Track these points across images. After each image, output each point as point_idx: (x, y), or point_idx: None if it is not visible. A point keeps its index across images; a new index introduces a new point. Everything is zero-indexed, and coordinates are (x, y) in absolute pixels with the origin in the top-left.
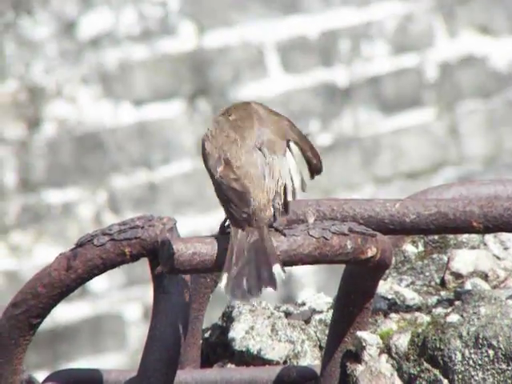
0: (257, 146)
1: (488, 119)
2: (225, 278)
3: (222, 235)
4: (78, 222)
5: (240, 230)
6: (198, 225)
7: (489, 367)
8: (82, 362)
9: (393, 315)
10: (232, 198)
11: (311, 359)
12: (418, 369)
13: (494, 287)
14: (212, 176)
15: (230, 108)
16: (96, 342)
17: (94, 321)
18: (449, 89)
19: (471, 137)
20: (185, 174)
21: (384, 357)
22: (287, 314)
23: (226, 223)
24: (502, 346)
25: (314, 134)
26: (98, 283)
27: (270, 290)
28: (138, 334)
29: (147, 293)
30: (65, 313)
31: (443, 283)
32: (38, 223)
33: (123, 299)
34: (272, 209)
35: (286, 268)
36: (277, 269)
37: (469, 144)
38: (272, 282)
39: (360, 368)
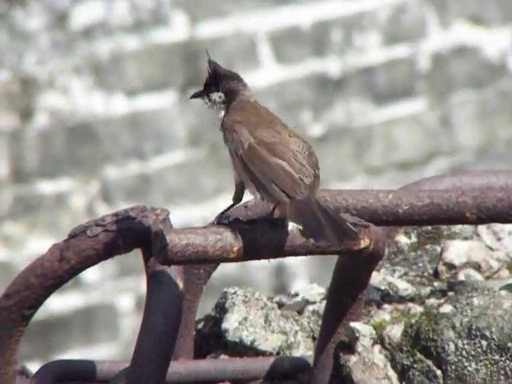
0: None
1: (480, 110)
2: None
3: (218, 226)
4: (71, 212)
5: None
6: (190, 215)
7: (482, 358)
8: (75, 353)
9: (386, 306)
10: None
11: (304, 350)
12: (411, 359)
13: (487, 278)
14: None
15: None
16: (89, 332)
17: (87, 311)
18: (441, 79)
19: (463, 127)
20: (177, 165)
21: (377, 347)
22: (280, 305)
23: (226, 214)
24: (494, 337)
25: (307, 125)
26: (90, 274)
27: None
28: (130, 324)
29: (140, 283)
30: (57, 303)
31: (436, 274)
32: (30, 214)
33: (116, 290)
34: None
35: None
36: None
37: (461, 134)
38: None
39: (353, 359)
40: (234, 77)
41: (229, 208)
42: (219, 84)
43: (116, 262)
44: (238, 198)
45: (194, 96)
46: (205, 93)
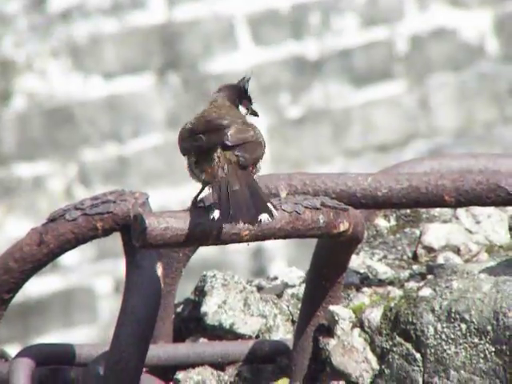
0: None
1: (459, 92)
2: (217, 212)
3: (195, 210)
4: (49, 195)
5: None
6: (168, 198)
7: (461, 341)
8: (54, 336)
9: (365, 289)
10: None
11: (284, 333)
12: (391, 343)
13: (467, 261)
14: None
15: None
16: (67, 315)
17: (65, 294)
18: (419, 61)
19: (442, 110)
20: (155, 147)
21: (356, 331)
22: (259, 289)
23: (199, 198)
24: (474, 320)
25: (285, 107)
26: (69, 257)
27: (265, 217)
28: (109, 307)
29: (118, 266)
30: (36, 286)
31: (415, 257)
32: (8, 197)
33: (94, 273)
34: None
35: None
36: (269, 205)
37: (439, 117)
38: (268, 211)
39: (332, 342)
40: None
41: (200, 191)
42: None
43: (94, 245)
44: (201, 180)
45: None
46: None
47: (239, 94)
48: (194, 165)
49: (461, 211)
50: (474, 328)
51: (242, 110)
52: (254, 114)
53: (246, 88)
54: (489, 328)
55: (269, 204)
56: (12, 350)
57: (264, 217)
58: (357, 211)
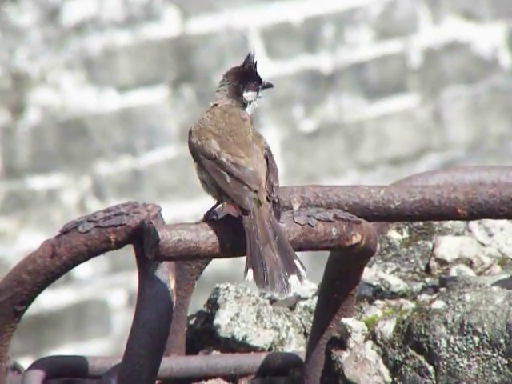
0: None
1: (472, 105)
2: (250, 272)
3: (207, 222)
4: (62, 208)
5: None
6: (182, 211)
7: (474, 354)
8: (67, 349)
9: (378, 302)
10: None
11: (296, 346)
12: (403, 355)
13: (479, 274)
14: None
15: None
16: (80, 328)
17: (79, 307)
18: (433, 75)
19: (455, 123)
20: (169, 161)
21: (369, 343)
22: (272, 301)
23: (214, 211)
24: (486, 333)
25: (298, 120)
26: (82, 270)
27: (295, 280)
28: (122, 320)
29: (131, 279)
30: (49, 299)
31: (428, 270)
32: (22, 209)
33: (107, 286)
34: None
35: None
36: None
37: (453, 130)
38: (297, 273)
39: (345, 355)
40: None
41: (215, 206)
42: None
43: (108, 258)
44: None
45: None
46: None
47: (245, 77)
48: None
49: (473, 224)
50: (487, 341)
51: (249, 95)
52: (268, 86)
53: (252, 67)
54: (501, 341)
55: (297, 262)
56: (25, 363)
57: (294, 280)
58: (369, 224)
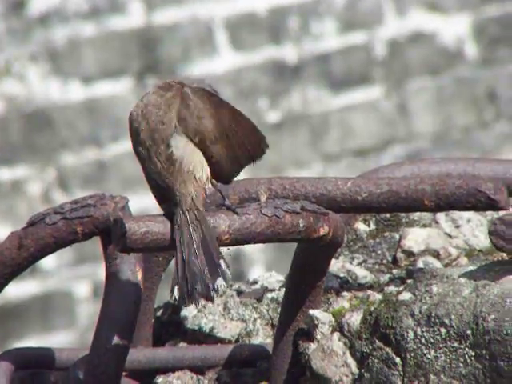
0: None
1: (437, 97)
2: (176, 290)
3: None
4: (27, 199)
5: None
6: (147, 202)
7: (441, 345)
8: (32, 340)
9: (345, 293)
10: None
11: (263, 337)
12: (371, 347)
13: (446, 265)
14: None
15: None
16: (45, 319)
17: (44, 298)
18: (397, 66)
19: (420, 114)
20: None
21: (336, 335)
22: (239, 293)
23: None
24: (454, 325)
25: (263, 112)
26: (47, 261)
27: (220, 284)
28: (87, 311)
29: (97, 270)
30: (14, 291)
31: (395, 261)
32: None
33: (72, 277)
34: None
35: (236, 247)
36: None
37: (417, 121)
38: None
39: (312, 346)
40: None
41: None
42: None
43: (73, 249)
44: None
45: None
46: None
47: None
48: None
49: (440, 215)
50: (454, 332)
51: None
52: None
53: None
54: (468, 332)
55: (222, 263)
56: None
57: (219, 283)
58: (337, 215)
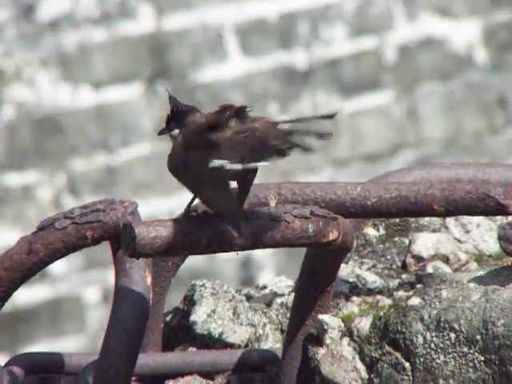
0: None
1: (447, 102)
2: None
3: (185, 219)
4: (37, 204)
5: None
6: (157, 208)
7: (450, 350)
8: (42, 345)
9: (354, 298)
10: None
11: (273, 342)
12: (380, 352)
13: (456, 270)
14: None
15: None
16: (55, 324)
17: (54, 304)
18: (408, 71)
19: (430, 119)
20: (144, 157)
21: (345, 340)
22: (248, 298)
23: (192, 207)
24: (463, 330)
25: (274, 117)
26: (57, 266)
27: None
28: (97, 316)
29: (106, 275)
30: (24, 296)
31: (404, 266)
32: None
33: (82, 282)
34: None
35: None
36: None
37: (427, 127)
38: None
39: (321, 351)
40: (191, 110)
41: (192, 200)
42: (180, 120)
43: (83, 254)
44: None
45: (160, 133)
46: (167, 129)
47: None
48: None
49: (450, 220)
50: (463, 337)
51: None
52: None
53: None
54: (478, 337)
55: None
56: (0, 360)
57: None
58: (346, 220)
